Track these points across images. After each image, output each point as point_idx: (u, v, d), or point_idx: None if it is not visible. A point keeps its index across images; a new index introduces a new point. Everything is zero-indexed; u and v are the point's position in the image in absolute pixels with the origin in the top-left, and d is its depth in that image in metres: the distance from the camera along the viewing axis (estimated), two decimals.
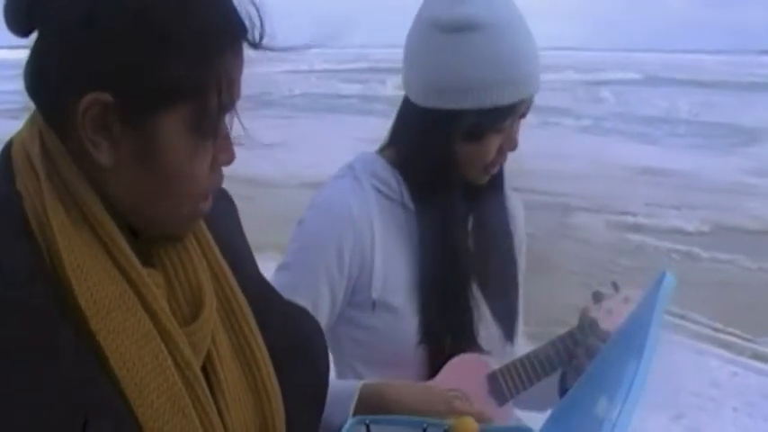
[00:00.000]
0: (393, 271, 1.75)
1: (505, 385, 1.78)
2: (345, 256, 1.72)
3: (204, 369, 1.02)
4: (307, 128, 18.57)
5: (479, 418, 1.42)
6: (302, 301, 1.62)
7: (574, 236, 10.18)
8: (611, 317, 1.77)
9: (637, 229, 10.44)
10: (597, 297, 1.82)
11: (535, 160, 12.56)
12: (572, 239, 9.98)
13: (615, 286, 1.85)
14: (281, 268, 1.75)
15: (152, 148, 0.96)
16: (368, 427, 1.40)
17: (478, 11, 1.69)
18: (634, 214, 11.21)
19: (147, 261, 1.01)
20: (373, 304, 1.74)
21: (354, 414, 1.51)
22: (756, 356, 6.36)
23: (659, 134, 20.50)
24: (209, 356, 1.03)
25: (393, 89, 30.17)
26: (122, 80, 0.93)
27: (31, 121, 1.00)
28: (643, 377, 1.03)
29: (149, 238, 1.04)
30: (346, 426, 1.36)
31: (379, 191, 1.78)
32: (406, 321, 1.74)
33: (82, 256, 0.92)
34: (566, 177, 13.32)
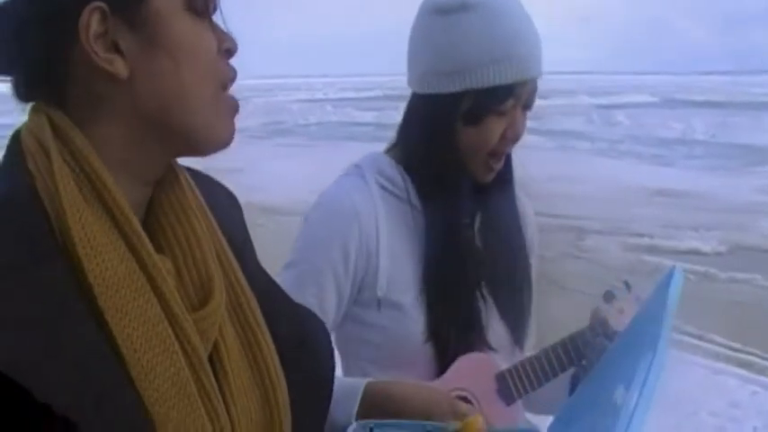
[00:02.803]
0: (399, 269, 1.74)
1: (513, 385, 1.76)
2: (351, 254, 1.71)
3: (211, 359, 1.01)
4: (322, 156, 18.61)
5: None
6: (308, 298, 1.67)
7: (589, 258, 10.15)
8: (623, 316, 1.75)
9: (653, 250, 10.39)
10: (608, 297, 1.80)
11: (550, 183, 12.59)
12: (587, 261, 9.96)
13: (627, 286, 1.82)
14: (287, 266, 1.75)
15: (155, 34, 0.97)
16: (371, 431, 1.39)
17: None
18: (650, 236, 11.17)
19: (157, 248, 1.00)
20: (379, 302, 1.73)
21: (359, 411, 1.52)
22: None
23: (675, 156, 20.46)
24: (216, 347, 1.03)
25: None
26: None
27: (34, 110, 1.01)
28: (658, 369, 1.04)
29: (198, 152, 1.05)
30: (349, 430, 1.36)
31: (385, 188, 1.77)
32: (412, 319, 1.73)
33: (92, 232, 0.92)
34: (581, 200, 13.29)
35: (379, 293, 1.72)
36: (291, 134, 26.77)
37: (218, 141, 1.05)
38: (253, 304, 1.10)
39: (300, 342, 1.16)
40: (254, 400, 1.05)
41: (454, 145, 1.72)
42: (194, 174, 1.14)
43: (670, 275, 1.19)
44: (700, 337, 6.81)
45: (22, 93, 1.02)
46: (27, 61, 0.99)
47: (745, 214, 12.49)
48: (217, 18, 1.06)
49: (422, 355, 1.73)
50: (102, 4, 0.95)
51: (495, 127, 1.70)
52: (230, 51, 1.06)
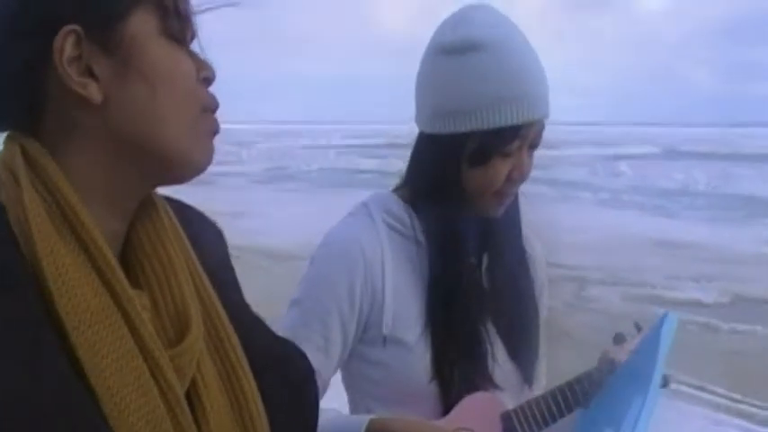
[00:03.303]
0: (404, 307, 1.73)
1: (519, 425, 1.75)
2: (356, 292, 1.70)
3: (188, 396, 0.97)
4: (324, 202, 18.64)
5: None
6: (313, 335, 1.68)
7: (591, 308, 10.13)
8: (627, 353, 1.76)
9: (655, 300, 10.36)
10: (619, 339, 1.79)
11: (552, 233, 12.58)
12: (590, 311, 9.93)
13: (638, 328, 1.82)
14: (293, 304, 1.74)
15: (129, 59, 0.96)
16: None
17: (479, 31, 1.68)
18: (652, 286, 11.16)
19: (134, 282, 0.97)
20: (384, 340, 1.72)
21: None
22: None
23: (677, 207, 20.48)
24: (194, 383, 0.99)
25: None
26: (78, 5, 0.94)
27: (7, 139, 0.98)
28: (648, 413, 1.05)
29: (175, 178, 1.02)
30: None
31: (392, 227, 1.77)
32: (417, 357, 1.72)
33: (65, 266, 0.89)
34: (583, 250, 13.29)
35: (385, 331, 1.72)
36: (294, 179, 26.85)
37: (196, 166, 1.02)
38: (233, 340, 1.06)
39: (283, 379, 1.13)
40: None
41: (460, 185, 1.71)
42: (177, 205, 1.12)
43: (663, 320, 1.20)
44: (701, 388, 6.78)
45: None
46: (9, 87, 0.96)
47: (747, 266, 12.49)
48: (195, 47, 1.04)
49: (427, 394, 1.72)
50: (77, 28, 0.93)
51: (500, 168, 1.69)
52: (208, 80, 1.04)
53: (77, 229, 0.92)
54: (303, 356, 1.20)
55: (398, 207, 1.78)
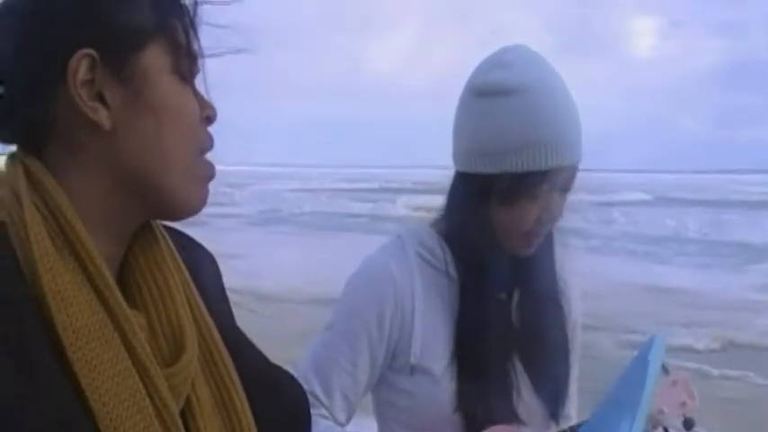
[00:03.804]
0: (432, 337, 1.76)
1: None
2: (386, 319, 1.75)
3: (183, 416, 0.99)
4: (315, 245, 18.66)
5: None
6: (341, 360, 1.75)
7: (584, 354, 10.09)
8: (655, 399, 1.75)
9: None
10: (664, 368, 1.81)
11: None
12: (582, 357, 9.90)
13: (665, 369, 1.84)
14: (326, 328, 1.81)
15: (142, 90, 0.98)
16: None
17: (514, 75, 1.71)
18: (643, 332, 11.11)
19: (131, 303, 0.98)
20: (411, 369, 1.76)
21: None
22: None
23: (668, 253, 20.49)
24: (188, 404, 1.00)
25: (403, 209, 30.33)
26: (97, 31, 0.96)
27: (11, 158, 1.00)
28: (638, 430, 1.06)
29: (169, 214, 1.05)
30: None
31: (423, 258, 1.80)
32: (441, 388, 1.75)
33: (63, 283, 0.90)
34: None
35: (412, 360, 1.75)
36: (287, 222, 26.84)
37: (192, 206, 1.05)
38: (227, 362, 1.08)
39: (276, 403, 1.14)
40: None
41: (489, 223, 1.74)
42: (173, 231, 1.13)
43: (651, 342, 1.21)
44: None
45: (0, 130, 1.01)
46: (9, 94, 0.98)
47: (739, 312, 12.48)
48: (200, 86, 1.06)
49: (450, 424, 1.75)
50: (93, 53, 0.95)
51: (529, 209, 1.72)
52: (210, 119, 1.06)
53: (77, 248, 0.93)
54: (296, 383, 1.22)
55: (432, 240, 1.82)
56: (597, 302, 13.08)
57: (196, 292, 1.09)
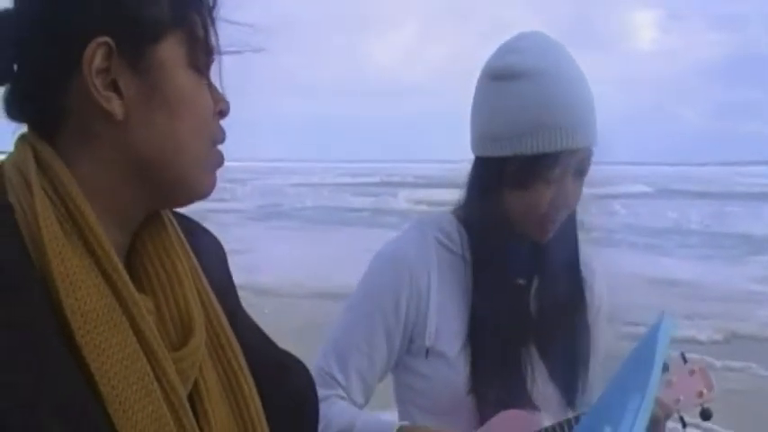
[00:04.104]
0: (447, 320, 1.79)
1: None
2: (402, 303, 1.78)
3: (191, 400, 0.99)
4: (317, 239, 18.66)
5: None
6: (359, 341, 1.79)
7: None
8: (671, 388, 1.76)
9: None
10: (663, 367, 1.81)
11: None
12: None
13: (683, 358, 1.83)
14: (345, 310, 1.85)
15: (156, 82, 0.98)
16: None
17: (525, 59, 1.73)
18: (646, 324, 11.05)
19: (138, 288, 0.99)
20: (427, 352, 1.78)
21: None
22: None
23: (670, 245, 20.48)
24: (196, 386, 1.01)
25: (405, 202, 30.34)
26: (113, 21, 0.96)
27: (21, 141, 1.00)
28: (647, 409, 1.06)
29: (178, 202, 1.06)
30: None
31: (441, 243, 1.83)
32: (456, 370, 1.77)
33: (72, 267, 0.90)
34: None
35: (428, 343, 1.78)
36: (288, 217, 26.83)
37: (200, 194, 1.06)
38: (235, 347, 1.08)
39: (284, 386, 1.15)
40: None
41: (502, 207, 1.76)
42: (179, 216, 1.14)
43: (660, 319, 1.21)
44: (696, 426, 6.75)
45: (13, 111, 1.01)
46: (24, 77, 0.99)
47: (741, 303, 12.48)
48: (215, 78, 1.07)
49: (464, 406, 1.77)
50: (110, 41, 0.95)
51: (543, 193, 1.73)
52: (223, 113, 1.07)
53: (85, 233, 0.94)
54: (303, 366, 1.23)
55: (451, 225, 1.85)
56: None
57: (203, 278, 1.10)
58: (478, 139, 1.80)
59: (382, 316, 1.79)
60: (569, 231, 1.85)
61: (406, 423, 1.72)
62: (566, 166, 1.72)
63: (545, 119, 1.69)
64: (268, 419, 1.07)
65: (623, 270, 15.30)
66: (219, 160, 1.07)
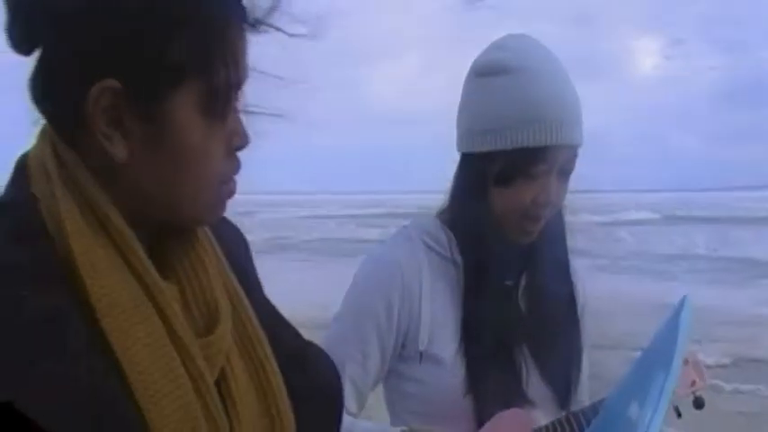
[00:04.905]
0: (440, 324, 1.78)
1: None
2: (394, 308, 1.77)
3: (218, 388, 0.99)
4: (325, 271, 18.60)
5: None
6: (352, 349, 1.76)
7: (591, 372, 10.11)
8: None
9: None
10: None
11: None
12: (590, 376, 9.91)
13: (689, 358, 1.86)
14: (336, 319, 1.83)
15: (164, 132, 0.95)
16: None
17: (510, 56, 1.74)
18: None
19: (163, 275, 0.98)
20: (420, 356, 1.77)
21: None
22: None
23: (677, 271, 20.41)
24: (223, 374, 1.00)
25: None
26: (127, 63, 0.93)
27: (42, 134, 1.00)
28: (671, 386, 1.14)
29: (174, 230, 1.03)
30: None
31: (430, 247, 1.83)
32: (451, 374, 1.76)
33: (96, 257, 0.90)
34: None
35: (421, 347, 1.77)
36: (296, 249, 26.79)
37: (205, 223, 1.06)
38: (260, 335, 1.08)
39: (309, 375, 1.14)
40: (261, 430, 1.03)
41: (487, 204, 1.76)
42: None
43: (682, 303, 1.30)
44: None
45: (36, 98, 0.99)
46: (44, 86, 0.97)
47: (748, 327, 12.47)
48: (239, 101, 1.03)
49: (461, 409, 1.76)
50: (117, 85, 0.92)
51: (526, 189, 1.73)
52: (240, 148, 1.03)
53: (107, 225, 0.94)
54: (329, 359, 1.23)
55: (437, 228, 1.85)
56: (607, 322, 13.05)
57: (228, 267, 1.10)
58: (464, 135, 1.81)
59: (375, 323, 1.77)
60: (556, 232, 1.86)
61: (405, 428, 1.72)
62: (549, 163, 1.72)
63: (527, 113, 1.70)
64: (293, 405, 1.07)
65: (631, 297, 15.31)
66: (230, 192, 1.04)
